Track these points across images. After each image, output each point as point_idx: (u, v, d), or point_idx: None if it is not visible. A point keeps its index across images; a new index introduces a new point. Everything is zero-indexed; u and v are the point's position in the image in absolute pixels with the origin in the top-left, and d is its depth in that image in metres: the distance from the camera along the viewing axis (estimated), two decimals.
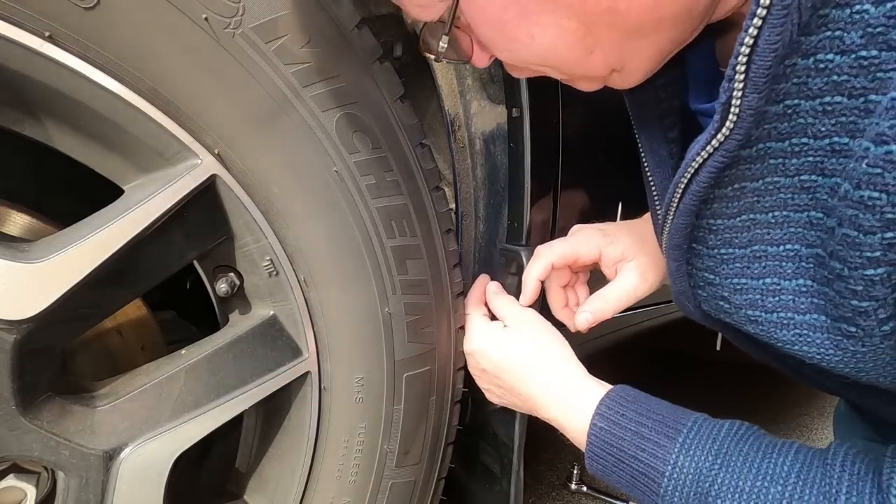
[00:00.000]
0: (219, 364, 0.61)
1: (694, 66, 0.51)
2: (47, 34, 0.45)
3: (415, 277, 0.65)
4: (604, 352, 1.33)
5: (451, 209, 0.73)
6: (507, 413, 0.76)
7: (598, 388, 0.60)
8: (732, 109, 0.40)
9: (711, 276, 0.52)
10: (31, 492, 0.57)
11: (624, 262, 0.69)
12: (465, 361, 0.74)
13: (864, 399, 0.58)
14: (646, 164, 0.58)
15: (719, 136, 0.42)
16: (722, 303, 0.52)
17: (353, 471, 0.69)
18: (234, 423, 0.65)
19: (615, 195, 0.91)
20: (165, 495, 0.59)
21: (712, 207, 0.49)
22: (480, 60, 0.50)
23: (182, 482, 0.62)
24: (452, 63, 0.58)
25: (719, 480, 0.48)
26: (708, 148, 0.43)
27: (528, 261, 0.71)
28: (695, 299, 0.57)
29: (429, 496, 0.77)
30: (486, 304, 0.74)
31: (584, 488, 1.41)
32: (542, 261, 0.68)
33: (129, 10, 0.46)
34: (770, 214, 0.45)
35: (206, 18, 0.48)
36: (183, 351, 0.62)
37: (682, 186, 0.48)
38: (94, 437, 0.56)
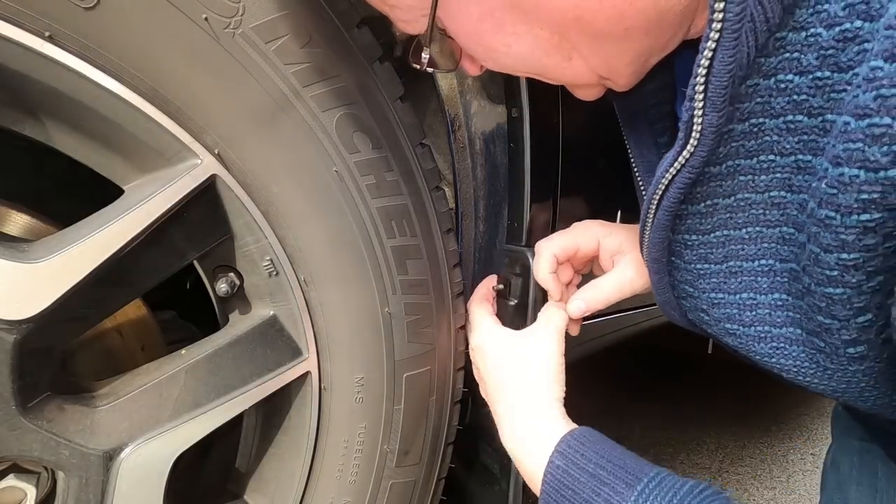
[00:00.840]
0: (219, 364, 0.61)
1: (681, 74, 0.52)
2: (47, 34, 0.45)
3: (415, 277, 0.65)
4: (604, 352, 1.33)
5: (451, 209, 0.73)
6: None
7: (564, 427, 0.57)
8: (695, 128, 0.41)
9: (690, 290, 0.53)
10: (31, 492, 0.57)
11: (621, 254, 0.68)
12: (466, 361, 0.74)
13: (857, 404, 0.58)
14: (636, 170, 0.59)
15: (685, 153, 0.43)
16: (702, 314, 0.53)
17: (353, 471, 0.69)
18: (234, 423, 0.65)
19: (615, 195, 0.91)
20: (165, 495, 0.59)
21: (686, 223, 0.49)
22: (471, 69, 0.51)
23: (182, 482, 0.62)
24: (442, 72, 0.59)
25: None
26: (675, 164, 0.44)
27: (532, 260, 0.71)
28: (680, 308, 0.57)
29: (429, 496, 0.77)
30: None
31: None
32: (546, 254, 0.67)
33: (129, 11, 0.46)
34: (744, 230, 0.46)
35: (206, 18, 0.48)
36: (183, 351, 0.62)
37: (656, 202, 0.49)
38: (94, 437, 0.56)
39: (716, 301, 0.50)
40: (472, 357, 0.72)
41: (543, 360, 0.63)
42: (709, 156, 0.43)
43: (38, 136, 0.53)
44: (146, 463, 0.58)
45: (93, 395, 0.58)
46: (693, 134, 0.41)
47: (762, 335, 0.47)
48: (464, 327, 0.72)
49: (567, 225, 0.82)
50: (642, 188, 0.59)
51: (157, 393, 0.59)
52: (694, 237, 0.50)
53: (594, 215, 0.89)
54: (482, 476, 0.87)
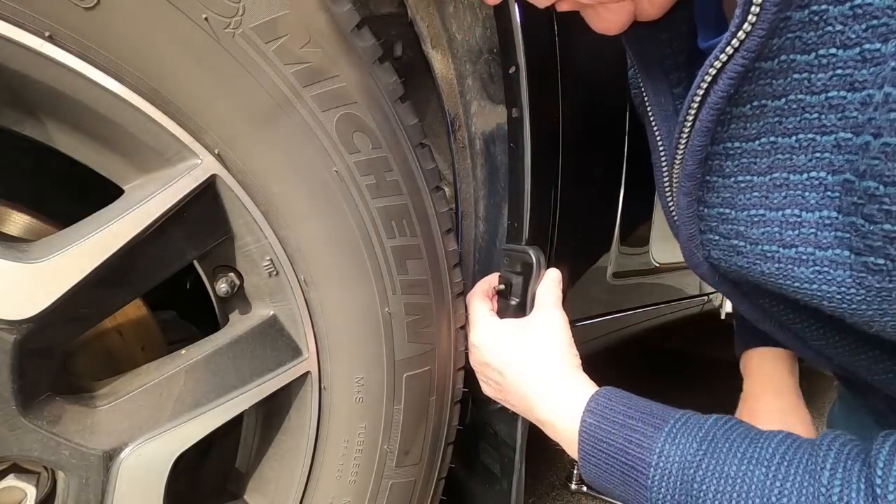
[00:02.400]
0: (219, 364, 0.61)
1: (701, 11, 0.49)
2: (47, 34, 0.45)
3: (415, 277, 0.65)
4: (604, 352, 1.33)
5: (451, 209, 0.73)
6: (508, 412, 0.76)
7: (590, 388, 0.60)
8: (754, 1, 0.38)
9: (727, 211, 0.50)
10: (31, 492, 0.57)
11: None
12: (465, 361, 0.74)
13: (872, 371, 0.56)
14: (652, 118, 0.57)
15: (740, 33, 0.39)
16: (736, 241, 0.50)
17: (353, 471, 0.69)
18: (234, 423, 0.65)
19: (615, 195, 0.91)
20: (165, 495, 0.59)
21: (729, 129, 0.46)
22: None
23: (182, 482, 0.62)
24: None
25: (704, 465, 0.48)
26: (728, 49, 0.41)
27: (535, 259, 0.71)
28: (703, 247, 0.55)
29: (429, 496, 0.77)
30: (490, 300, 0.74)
31: (584, 488, 1.41)
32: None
33: (129, 11, 0.46)
34: (793, 138, 0.42)
35: (206, 18, 0.48)
36: (183, 351, 0.62)
37: (698, 101, 0.45)
38: (94, 437, 0.56)
39: (755, 219, 0.47)
40: (473, 354, 0.72)
41: (554, 334, 0.65)
42: (761, 46, 0.39)
43: (38, 136, 0.52)
44: (146, 463, 0.58)
45: (93, 395, 0.58)
46: (751, 9, 0.38)
47: (804, 257, 0.44)
48: (464, 327, 0.72)
49: (567, 225, 0.82)
50: (658, 136, 0.57)
51: (157, 393, 0.59)
52: (737, 144, 0.46)
53: (594, 215, 0.90)
54: (482, 476, 0.87)
